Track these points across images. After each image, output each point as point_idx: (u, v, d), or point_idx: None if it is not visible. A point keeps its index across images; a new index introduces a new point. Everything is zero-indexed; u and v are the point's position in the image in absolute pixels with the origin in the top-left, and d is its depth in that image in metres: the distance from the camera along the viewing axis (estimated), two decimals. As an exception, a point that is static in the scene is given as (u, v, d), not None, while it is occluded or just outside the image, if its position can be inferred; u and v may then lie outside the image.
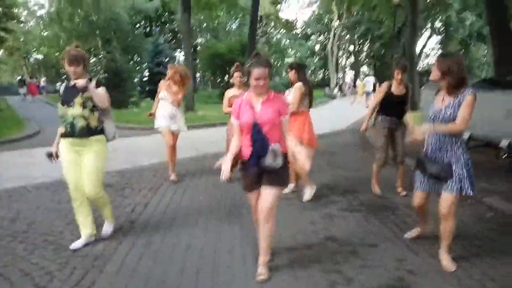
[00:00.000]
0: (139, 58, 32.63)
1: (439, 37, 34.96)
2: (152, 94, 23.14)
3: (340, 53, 46.75)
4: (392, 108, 4.87)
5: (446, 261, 3.03)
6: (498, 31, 9.26)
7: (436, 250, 3.17)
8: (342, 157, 7.58)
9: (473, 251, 3.32)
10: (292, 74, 4.83)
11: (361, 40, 42.98)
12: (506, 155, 5.97)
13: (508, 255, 3.25)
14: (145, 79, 28.55)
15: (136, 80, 27.10)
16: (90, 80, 3.34)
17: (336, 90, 32.31)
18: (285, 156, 2.81)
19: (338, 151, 8.12)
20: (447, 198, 2.93)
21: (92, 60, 30.54)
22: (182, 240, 3.60)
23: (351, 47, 45.98)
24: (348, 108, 19.83)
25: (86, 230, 3.53)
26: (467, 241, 3.50)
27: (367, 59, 47.57)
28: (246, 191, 3.00)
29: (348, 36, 42.09)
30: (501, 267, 3.05)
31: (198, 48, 35.04)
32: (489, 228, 3.88)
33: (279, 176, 2.82)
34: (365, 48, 45.70)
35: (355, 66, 48.07)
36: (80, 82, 3.26)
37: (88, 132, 3.40)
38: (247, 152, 2.83)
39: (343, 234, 3.72)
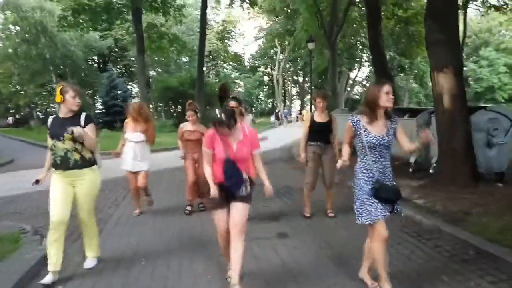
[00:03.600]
0: (91, 92, 34.01)
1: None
2: (107, 125, 24.94)
3: (287, 83, 50.76)
4: (317, 134, 5.21)
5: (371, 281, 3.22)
6: (378, 70, 12.24)
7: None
8: (269, 166, 9.99)
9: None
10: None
11: (303, 72, 47.09)
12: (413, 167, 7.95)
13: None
14: (97, 111, 30.09)
15: (91, 113, 28.51)
16: (80, 114, 3.53)
17: (273, 118, 34.81)
18: (250, 179, 3.11)
19: (268, 163, 10.55)
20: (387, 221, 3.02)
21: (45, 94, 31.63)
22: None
23: (296, 78, 49.99)
24: (283, 133, 22.82)
25: (55, 266, 3.43)
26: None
27: (310, 89, 51.54)
28: (215, 209, 3.13)
29: (292, 68, 46.08)
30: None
31: (150, 80, 37.03)
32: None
33: (245, 197, 3.11)
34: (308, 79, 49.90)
35: (301, 95, 52.09)
36: (76, 131, 3.31)
37: (83, 164, 3.51)
38: (219, 176, 3.05)
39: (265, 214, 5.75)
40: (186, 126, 5.66)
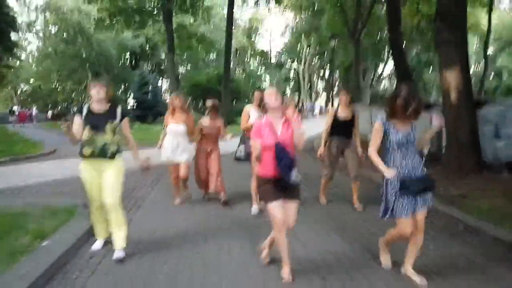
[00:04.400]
0: (123, 88, 35.58)
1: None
2: (139, 119, 26.17)
3: (314, 78, 50.81)
4: (340, 129, 5.32)
5: (419, 276, 3.15)
6: (399, 68, 12.53)
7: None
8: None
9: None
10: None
11: (330, 67, 47.01)
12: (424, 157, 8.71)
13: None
14: (129, 106, 31.55)
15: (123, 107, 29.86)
16: (116, 108, 3.81)
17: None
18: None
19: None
20: (424, 212, 3.12)
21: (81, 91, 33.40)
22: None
23: (322, 73, 49.93)
24: (306, 127, 23.18)
25: (103, 235, 4.05)
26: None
27: (337, 84, 51.45)
28: (271, 201, 3.18)
29: (319, 63, 46.13)
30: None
31: (180, 76, 38.25)
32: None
33: (297, 190, 3.30)
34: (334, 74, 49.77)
35: (328, 90, 51.97)
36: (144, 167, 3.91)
37: (116, 154, 3.78)
38: (269, 171, 3.17)
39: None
40: (205, 122, 5.86)
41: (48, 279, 3.35)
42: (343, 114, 5.32)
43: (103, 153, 3.69)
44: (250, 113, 5.36)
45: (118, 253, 3.80)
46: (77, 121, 3.75)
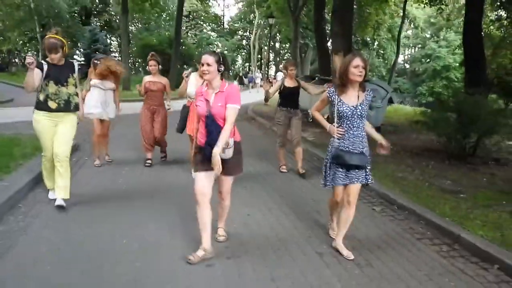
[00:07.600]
0: (71, 44, 35.23)
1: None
2: (85, 77, 26.36)
3: (265, 48, 52.40)
4: (288, 99, 5.74)
5: (346, 251, 3.26)
6: (320, 48, 14.94)
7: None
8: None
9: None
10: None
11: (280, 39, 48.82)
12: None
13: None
14: (78, 62, 31.65)
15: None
16: (73, 63, 3.98)
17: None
18: (238, 144, 3.11)
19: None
20: (357, 187, 3.19)
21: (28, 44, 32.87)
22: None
23: (272, 44, 51.62)
24: (244, 97, 25.57)
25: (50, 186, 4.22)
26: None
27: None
28: (196, 171, 3.10)
29: (269, 34, 47.68)
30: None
31: (131, 35, 38.33)
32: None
33: (234, 166, 3.16)
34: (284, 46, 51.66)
35: (277, 62, 53.98)
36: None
37: (77, 107, 4.03)
38: (202, 139, 3.04)
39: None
40: (148, 78, 5.84)
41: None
42: (289, 84, 5.75)
43: (67, 106, 3.90)
44: (190, 81, 5.16)
45: (60, 201, 3.95)
46: (38, 72, 3.73)
